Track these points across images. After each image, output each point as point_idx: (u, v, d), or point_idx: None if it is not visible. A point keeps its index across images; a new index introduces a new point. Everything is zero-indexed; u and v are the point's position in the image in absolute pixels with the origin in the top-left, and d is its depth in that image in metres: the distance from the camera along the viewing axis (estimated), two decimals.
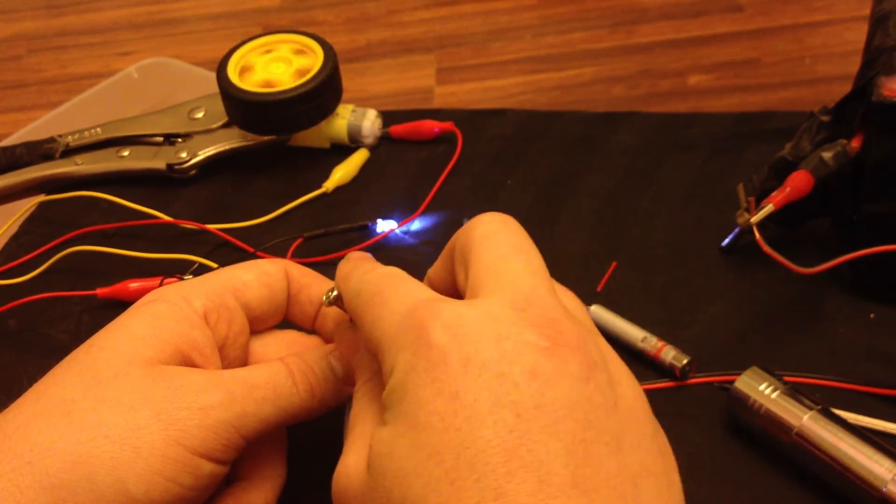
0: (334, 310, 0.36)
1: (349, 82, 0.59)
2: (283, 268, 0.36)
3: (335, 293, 0.33)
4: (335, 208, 0.55)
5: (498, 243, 0.28)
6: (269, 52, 0.58)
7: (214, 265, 0.50)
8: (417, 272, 0.49)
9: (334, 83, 0.56)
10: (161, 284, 0.48)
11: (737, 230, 0.47)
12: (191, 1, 0.88)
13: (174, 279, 0.48)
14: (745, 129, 0.56)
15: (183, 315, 0.33)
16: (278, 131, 0.57)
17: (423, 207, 0.53)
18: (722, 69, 0.69)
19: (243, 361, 0.35)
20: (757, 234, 0.41)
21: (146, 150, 0.58)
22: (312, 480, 0.38)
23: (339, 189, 0.56)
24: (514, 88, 0.70)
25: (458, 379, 0.24)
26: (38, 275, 0.51)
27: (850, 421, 0.37)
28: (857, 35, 0.50)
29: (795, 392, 0.38)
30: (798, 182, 0.42)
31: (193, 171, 0.57)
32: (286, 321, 0.37)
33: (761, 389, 0.38)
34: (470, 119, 0.59)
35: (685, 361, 0.41)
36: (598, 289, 0.47)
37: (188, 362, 0.32)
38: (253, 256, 0.51)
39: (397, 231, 0.52)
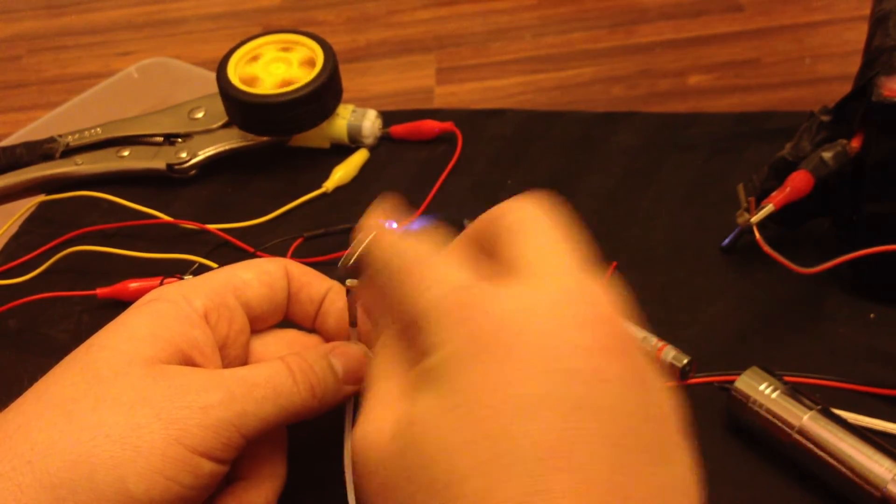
0: (335, 309, 0.36)
1: (349, 82, 0.59)
2: (284, 267, 0.36)
3: (354, 258, 0.32)
4: (335, 208, 0.55)
5: (541, 231, 0.28)
6: (269, 52, 0.58)
7: (214, 265, 0.50)
8: None
9: (334, 84, 0.56)
10: (161, 284, 0.47)
11: (737, 230, 0.47)
12: (191, 1, 0.88)
13: (174, 279, 0.48)
14: (745, 129, 0.56)
15: (183, 314, 0.33)
16: (278, 132, 0.57)
17: (423, 207, 0.53)
18: (722, 69, 0.69)
19: (244, 360, 0.35)
20: (757, 234, 0.41)
21: (146, 150, 0.58)
22: (312, 480, 0.38)
23: (339, 189, 0.56)
24: (514, 88, 0.70)
25: (505, 369, 0.24)
26: (38, 275, 0.51)
27: (850, 421, 0.37)
28: (857, 35, 0.50)
29: (795, 392, 0.38)
30: (798, 182, 0.42)
31: (193, 171, 0.57)
32: (286, 320, 0.37)
33: (761, 389, 0.38)
34: (470, 119, 0.59)
35: (685, 361, 0.41)
36: None
37: (188, 361, 0.32)
38: (253, 256, 0.51)
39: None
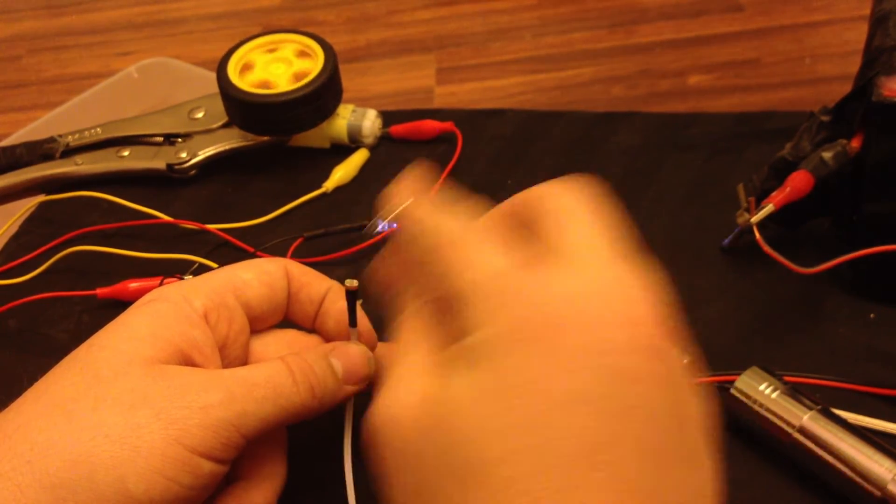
0: (335, 309, 0.36)
1: (349, 82, 0.59)
2: (284, 267, 0.36)
3: (384, 222, 0.31)
4: (335, 208, 0.55)
5: (585, 219, 0.27)
6: (269, 52, 0.58)
7: (214, 265, 0.50)
8: None
9: (335, 84, 0.56)
10: (161, 284, 0.47)
11: (737, 230, 0.47)
12: (191, 1, 0.88)
13: (174, 279, 0.48)
14: (745, 129, 0.56)
15: (183, 314, 0.33)
16: (278, 132, 0.57)
17: None
18: (722, 69, 0.69)
19: (243, 361, 0.35)
20: (757, 234, 0.41)
21: (146, 150, 0.58)
22: (312, 480, 0.38)
23: (339, 189, 0.56)
24: (514, 88, 0.70)
25: (547, 362, 0.23)
26: (38, 275, 0.51)
27: (850, 421, 0.37)
28: (857, 35, 0.50)
29: (795, 392, 0.38)
30: (798, 182, 0.42)
31: (193, 171, 0.57)
32: (286, 320, 0.37)
33: (761, 389, 0.38)
34: (470, 119, 0.59)
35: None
36: None
37: (188, 362, 0.32)
38: (253, 256, 0.51)
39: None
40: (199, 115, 0.59)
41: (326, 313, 0.36)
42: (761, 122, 0.57)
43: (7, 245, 0.55)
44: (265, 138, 0.57)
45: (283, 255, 0.50)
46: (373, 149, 0.58)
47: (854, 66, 0.45)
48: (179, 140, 0.58)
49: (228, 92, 0.55)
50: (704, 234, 0.49)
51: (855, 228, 0.44)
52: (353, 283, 0.33)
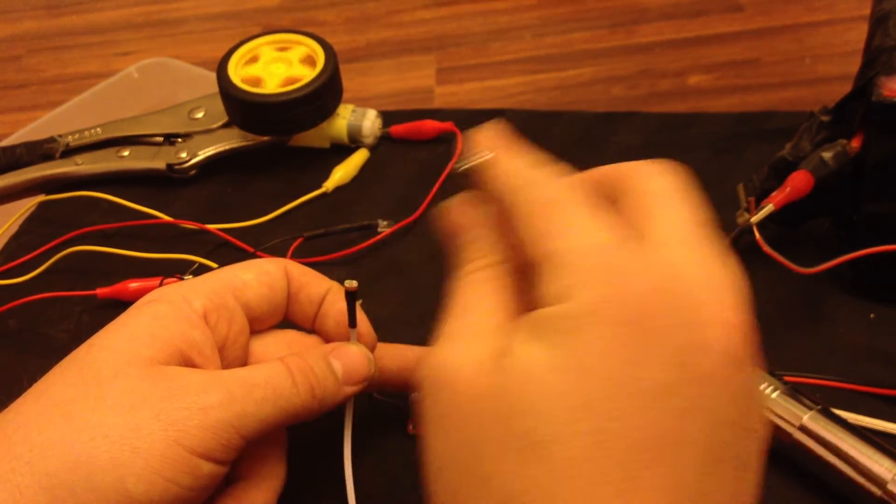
0: (335, 310, 0.36)
1: (349, 82, 0.59)
2: (283, 267, 0.36)
3: (471, 163, 0.29)
4: (335, 208, 0.55)
5: (679, 208, 0.26)
6: (269, 52, 0.58)
7: (214, 265, 0.50)
8: (417, 272, 0.50)
9: (335, 84, 0.56)
10: (161, 284, 0.48)
11: (737, 230, 0.47)
12: (191, 1, 0.88)
13: (174, 279, 0.48)
14: (745, 129, 0.56)
15: (183, 315, 0.33)
16: (279, 132, 0.57)
17: (423, 207, 0.53)
18: (722, 69, 0.69)
19: (243, 361, 0.35)
20: (757, 234, 0.41)
21: (146, 150, 0.58)
22: (312, 480, 0.38)
23: (339, 189, 0.56)
24: (514, 88, 0.70)
25: (638, 347, 0.23)
26: (38, 275, 0.51)
27: (850, 421, 0.37)
28: (857, 35, 0.50)
29: (795, 392, 0.38)
30: (798, 182, 0.42)
31: (193, 171, 0.57)
32: (286, 321, 0.37)
33: (761, 389, 0.38)
34: (470, 119, 0.59)
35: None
36: None
37: (188, 362, 0.32)
38: (253, 256, 0.51)
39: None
40: (199, 115, 0.59)
41: (326, 314, 0.36)
42: (761, 122, 0.57)
43: (7, 245, 0.55)
44: (265, 138, 0.57)
45: (283, 255, 0.50)
46: (373, 149, 0.58)
47: (854, 66, 0.45)
48: (179, 140, 0.58)
49: (228, 92, 0.55)
50: None
51: (855, 228, 0.44)
52: (352, 283, 0.33)
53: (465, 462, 0.24)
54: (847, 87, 0.43)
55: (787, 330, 0.44)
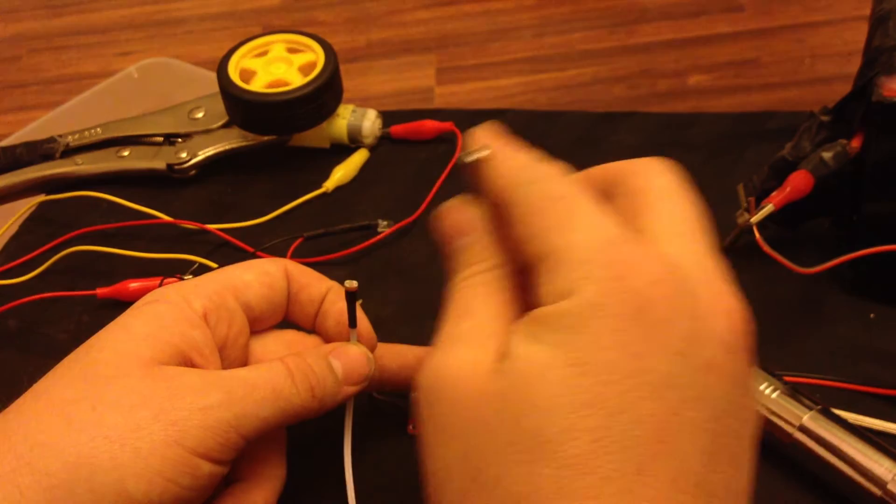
0: (335, 310, 0.36)
1: (349, 82, 0.59)
2: (283, 267, 0.36)
3: (477, 156, 0.28)
4: (335, 208, 0.55)
5: (679, 207, 0.27)
6: (269, 52, 0.58)
7: (214, 265, 0.50)
8: (417, 272, 0.50)
9: (335, 84, 0.56)
10: (161, 284, 0.48)
11: (737, 230, 0.47)
12: (191, 1, 0.88)
13: (174, 279, 0.48)
14: (745, 129, 0.56)
15: (183, 315, 0.33)
16: (279, 132, 0.57)
17: (423, 207, 0.53)
18: (722, 69, 0.69)
19: (243, 361, 0.35)
20: (757, 234, 0.41)
21: (146, 150, 0.58)
22: (312, 480, 0.38)
23: (339, 189, 0.56)
24: (514, 88, 0.70)
25: (642, 339, 0.23)
26: (38, 275, 0.51)
27: (850, 421, 0.37)
28: (857, 35, 0.50)
29: (795, 392, 0.38)
30: (798, 182, 0.42)
31: (193, 171, 0.57)
32: (286, 321, 0.37)
33: (761, 389, 0.38)
34: (470, 119, 0.59)
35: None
36: None
37: (188, 363, 0.32)
38: (253, 256, 0.51)
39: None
40: (199, 115, 0.59)
41: (326, 314, 0.36)
42: (761, 122, 0.57)
43: (7, 245, 0.55)
44: (265, 138, 0.57)
45: (283, 255, 0.50)
46: (373, 149, 0.58)
47: (854, 66, 0.45)
48: (179, 140, 0.58)
49: (229, 91, 0.55)
50: None
51: (855, 228, 0.44)
52: (352, 283, 0.33)
53: (472, 468, 0.24)
54: (847, 87, 0.43)
55: (787, 330, 0.44)
